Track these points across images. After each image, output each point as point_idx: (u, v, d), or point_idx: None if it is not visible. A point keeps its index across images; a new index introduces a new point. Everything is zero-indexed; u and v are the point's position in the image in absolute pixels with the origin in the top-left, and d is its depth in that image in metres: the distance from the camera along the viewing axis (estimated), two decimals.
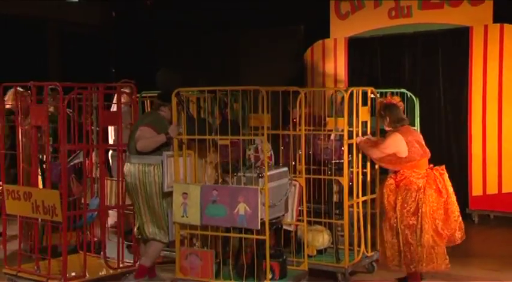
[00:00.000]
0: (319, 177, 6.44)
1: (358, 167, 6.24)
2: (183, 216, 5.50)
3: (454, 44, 9.32)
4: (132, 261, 6.34)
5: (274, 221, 5.56)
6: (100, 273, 6.12)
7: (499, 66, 8.94)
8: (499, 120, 8.73)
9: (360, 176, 6.28)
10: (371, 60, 10.19)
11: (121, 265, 6.23)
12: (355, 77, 10.24)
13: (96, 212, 6.39)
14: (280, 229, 5.86)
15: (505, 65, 8.91)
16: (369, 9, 10.07)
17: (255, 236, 5.33)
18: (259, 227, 5.19)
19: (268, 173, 5.32)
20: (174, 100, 5.72)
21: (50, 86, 6.19)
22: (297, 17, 10.53)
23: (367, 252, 6.35)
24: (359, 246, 6.24)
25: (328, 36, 10.50)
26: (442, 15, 9.41)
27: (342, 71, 10.39)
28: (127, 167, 5.95)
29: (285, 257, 5.70)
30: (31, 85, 6.09)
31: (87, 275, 5.96)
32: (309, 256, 6.04)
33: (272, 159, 6.00)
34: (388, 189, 5.96)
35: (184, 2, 11.50)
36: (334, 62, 10.43)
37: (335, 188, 6.50)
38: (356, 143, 6.17)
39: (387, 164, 6.07)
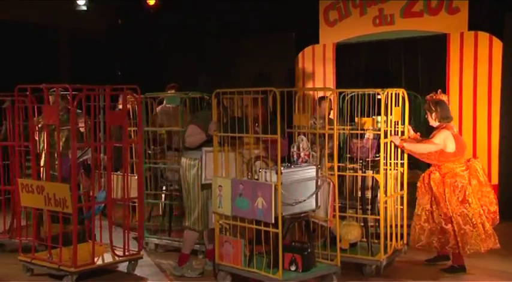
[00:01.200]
0: (355, 174, 6.23)
1: (391, 165, 6.07)
2: (219, 207, 5.56)
3: (433, 50, 9.33)
4: (136, 250, 6.34)
5: (297, 216, 5.43)
6: (107, 261, 6.14)
7: (474, 70, 8.95)
8: (473, 122, 8.76)
9: (393, 173, 6.14)
10: (357, 64, 10.18)
11: (126, 253, 6.24)
12: (343, 79, 10.24)
13: (103, 204, 6.38)
14: (308, 224, 5.67)
15: (479, 69, 8.92)
16: (355, 17, 10.05)
17: (270, 229, 5.22)
18: (273, 221, 5.11)
19: (288, 170, 5.27)
20: (214, 100, 5.72)
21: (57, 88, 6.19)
22: (289, 24, 10.46)
23: (397, 245, 6.21)
24: (391, 240, 6.08)
25: (317, 42, 10.50)
26: (422, 23, 9.41)
27: (330, 74, 10.37)
28: (181, 161, 6.11)
29: (309, 250, 5.50)
30: (43, 87, 6.09)
31: (95, 262, 5.99)
32: (343, 249, 5.93)
33: (310, 157, 5.83)
34: (434, 182, 6.06)
35: (185, 11, 11.48)
36: (323, 66, 10.42)
37: (369, 184, 6.35)
38: (394, 142, 6.08)
39: (433, 159, 6.13)
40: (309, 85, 10.53)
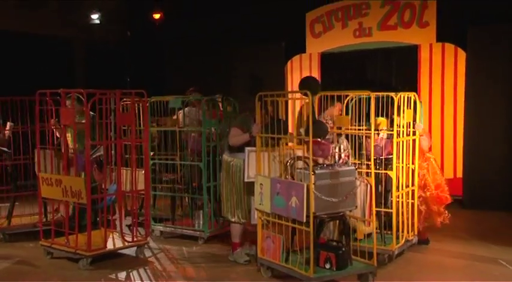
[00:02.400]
0: (371, 171, 5.74)
1: (403, 162, 5.83)
2: (260, 204, 5.35)
3: (406, 58, 9.39)
4: (143, 236, 6.38)
5: (333, 215, 5.11)
6: (117, 246, 6.16)
7: (441, 77, 9.04)
8: (441, 121, 8.83)
9: (405, 170, 5.91)
10: (340, 71, 10.17)
11: (135, 239, 6.24)
12: (327, 85, 10.25)
13: (114, 196, 6.40)
14: (345, 224, 5.27)
15: (446, 75, 9.02)
16: (338, 29, 10.05)
17: (303, 228, 4.93)
18: (304, 220, 4.84)
19: (324, 171, 4.99)
20: (257, 103, 5.49)
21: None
22: (278, 36, 10.44)
23: (408, 236, 6.00)
24: (402, 231, 5.87)
25: (304, 52, 10.48)
26: (396, 35, 9.46)
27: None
28: (223, 160, 5.99)
29: (344, 249, 5.11)
30: (61, 92, 6.09)
31: (107, 247, 6.01)
32: (358, 239, 5.73)
33: (349, 157, 5.67)
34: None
35: (186, 24, 11.48)
36: (309, 73, 10.36)
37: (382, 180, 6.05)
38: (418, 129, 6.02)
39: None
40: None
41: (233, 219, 5.90)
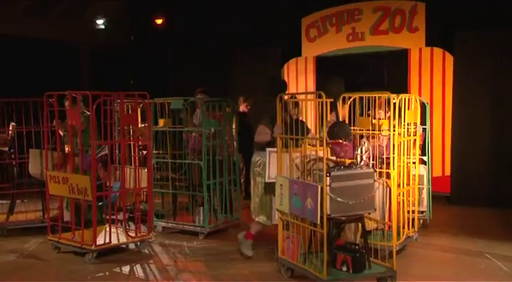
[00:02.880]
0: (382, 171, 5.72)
1: (403, 162, 5.62)
2: (280, 205, 5.16)
3: (397, 62, 9.41)
4: (146, 232, 6.35)
5: (350, 218, 4.89)
6: (121, 240, 6.14)
7: (430, 79, 9.10)
8: (430, 123, 8.84)
9: (406, 169, 5.73)
10: (334, 73, 10.15)
11: (138, 234, 6.24)
12: (322, 87, 10.26)
13: (118, 193, 6.38)
14: (363, 226, 5.05)
15: (434, 78, 9.07)
16: (332, 34, 10.08)
17: (318, 229, 4.78)
18: (318, 221, 4.65)
19: (340, 173, 4.74)
20: (279, 104, 5.26)
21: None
22: (275, 40, 10.48)
23: (409, 233, 5.95)
24: (403, 227, 5.74)
25: (300, 55, 10.50)
26: (388, 39, 9.50)
27: (311, 82, 10.39)
28: (253, 159, 5.82)
29: (360, 252, 4.88)
30: (68, 94, 6.10)
31: (112, 242, 6.00)
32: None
33: (370, 159, 5.45)
34: None
35: (188, 29, 11.48)
36: (305, 75, 10.45)
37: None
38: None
39: None
40: (293, 91, 10.55)
41: (257, 219, 5.75)
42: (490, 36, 8.53)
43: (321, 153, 5.11)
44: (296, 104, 5.56)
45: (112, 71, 11.78)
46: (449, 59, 8.94)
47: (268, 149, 5.42)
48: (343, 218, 4.84)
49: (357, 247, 4.98)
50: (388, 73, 9.57)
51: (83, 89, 7.83)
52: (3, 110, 7.37)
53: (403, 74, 9.33)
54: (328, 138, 4.93)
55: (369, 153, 5.48)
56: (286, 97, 5.56)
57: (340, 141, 5.04)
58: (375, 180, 4.94)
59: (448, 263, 5.83)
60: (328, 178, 4.65)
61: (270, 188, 5.52)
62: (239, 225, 7.25)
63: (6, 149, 7.30)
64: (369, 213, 5.05)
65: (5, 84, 9.17)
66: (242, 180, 8.59)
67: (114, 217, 6.31)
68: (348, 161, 5.06)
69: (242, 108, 8.89)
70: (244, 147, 7.71)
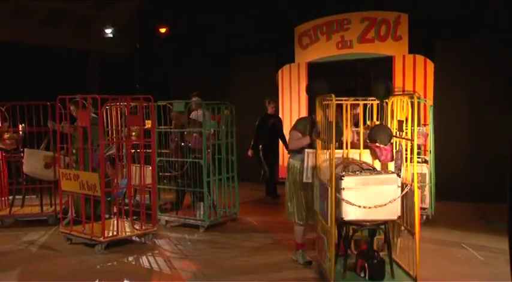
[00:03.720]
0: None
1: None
2: (315, 205, 4.99)
3: (382, 68, 9.44)
4: (150, 225, 6.37)
5: (367, 223, 4.50)
6: (128, 233, 6.19)
7: (413, 84, 9.14)
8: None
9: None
10: (325, 78, 10.18)
11: (143, 227, 6.27)
12: (368, 88, 10.27)
13: (125, 189, 6.44)
14: (385, 232, 4.64)
15: (417, 83, 9.12)
16: (323, 42, 10.12)
17: (333, 232, 4.45)
18: (328, 223, 4.43)
19: (353, 177, 4.38)
20: (318, 106, 4.94)
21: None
22: (270, 47, 10.50)
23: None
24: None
25: (293, 61, 10.52)
26: (374, 47, 9.55)
27: (304, 86, 10.26)
28: (289, 163, 5.38)
29: (378, 259, 4.55)
30: (78, 97, 6.13)
31: (119, 234, 6.07)
32: None
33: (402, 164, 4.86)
34: None
35: (189, 37, 11.51)
36: (298, 80, 10.47)
37: None
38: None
39: None
40: (287, 96, 10.57)
41: (294, 220, 5.36)
42: (468, 44, 8.59)
43: (356, 156, 4.93)
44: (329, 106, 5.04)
45: (119, 77, 11.81)
46: (430, 65, 9.00)
47: (306, 150, 5.09)
48: (361, 222, 4.44)
49: (375, 254, 4.60)
50: (374, 78, 9.52)
51: (92, 93, 7.82)
52: (17, 113, 7.44)
53: (387, 79, 9.18)
54: (368, 141, 4.71)
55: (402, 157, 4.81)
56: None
57: (377, 144, 4.72)
58: (399, 186, 4.38)
59: (428, 253, 5.84)
60: (341, 181, 4.33)
61: (305, 188, 5.21)
62: (237, 219, 7.32)
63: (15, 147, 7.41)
64: (393, 220, 4.60)
65: (21, 89, 9.20)
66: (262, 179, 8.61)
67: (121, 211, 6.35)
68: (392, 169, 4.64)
69: (270, 110, 8.87)
70: (268, 149, 7.68)
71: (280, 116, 9.89)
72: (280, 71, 10.72)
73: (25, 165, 7.14)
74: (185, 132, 7.14)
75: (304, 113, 10.29)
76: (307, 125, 5.19)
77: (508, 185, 2.90)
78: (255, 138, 8.69)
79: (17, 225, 7.21)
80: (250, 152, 8.67)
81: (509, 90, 3.66)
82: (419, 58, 9.14)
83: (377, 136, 4.78)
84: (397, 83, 9.28)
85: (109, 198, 6.35)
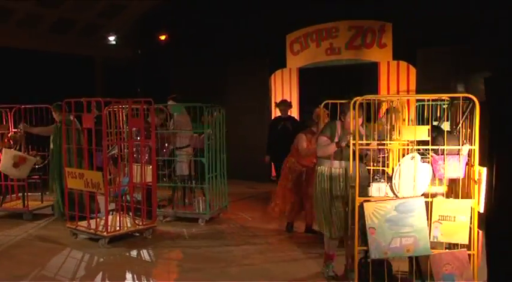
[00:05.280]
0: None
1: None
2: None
3: (368, 73, 9.50)
4: (151, 220, 6.37)
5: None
6: (129, 228, 6.19)
7: (397, 88, 9.18)
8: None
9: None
10: (315, 82, 10.18)
11: (144, 222, 6.28)
12: (304, 94, 10.33)
13: (126, 187, 6.45)
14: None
15: (400, 87, 9.16)
16: (313, 48, 10.14)
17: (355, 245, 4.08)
18: (349, 233, 4.19)
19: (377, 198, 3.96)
20: (351, 110, 4.30)
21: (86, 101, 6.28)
22: (264, 53, 10.51)
23: None
24: None
25: (285, 66, 10.55)
26: (360, 53, 9.59)
27: (295, 90, 10.44)
28: (319, 170, 4.69)
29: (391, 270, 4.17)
30: (83, 100, 6.11)
31: (121, 229, 6.07)
32: None
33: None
34: None
35: (187, 44, 11.52)
36: (289, 85, 10.50)
37: None
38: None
39: None
40: (279, 99, 10.51)
41: (323, 232, 4.74)
42: (447, 52, 8.62)
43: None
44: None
45: (122, 81, 11.80)
46: (413, 71, 9.07)
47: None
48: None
49: (402, 276, 4.18)
50: (360, 82, 9.58)
51: (96, 97, 7.84)
52: (21, 115, 7.52)
53: (373, 83, 9.40)
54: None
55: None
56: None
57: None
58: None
59: None
60: (368, 188, 4.00)
61: (335, 198, 4.55)
62: (227, 209, 7.40)
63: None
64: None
65: (30, 92, 9.21)
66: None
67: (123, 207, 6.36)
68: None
69: (281, 112, 7.93)
70: (276, 155, 7.18)
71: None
72: (272, 76, 10.74)
73: (1, 164, 7.22)
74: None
75: (296, 116, 10.31)
76: (334, 130, 4.58)
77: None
78: (267, 143, 7.87)
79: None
80: (266, 158, 7.81)
81: (485, 94, 3.66)
82: (403, 64, 9.21)
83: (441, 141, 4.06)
84: (383, 87, 9.34)
85: (112, 196, 6.35)
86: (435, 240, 4.02)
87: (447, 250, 4.09)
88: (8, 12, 10.05)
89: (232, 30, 10.81)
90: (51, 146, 7.14)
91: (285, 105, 7.83)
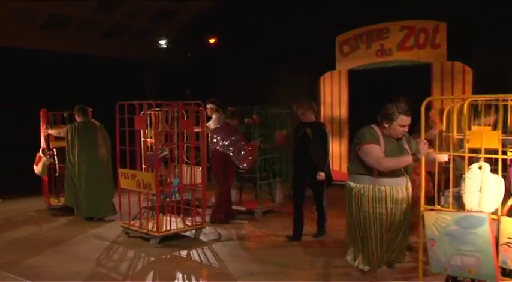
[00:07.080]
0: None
1: None
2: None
3: (421, 75, 9.27)
4: (200, 221, 6.41)
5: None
6: (179, 228, 6.22)
7: (452, 90, 8.93)
8: None
9: None
10: (364, 85, 10.08)
11: (194, 223, 6.30)
12: (354, 97, 10.22)
13: (177, 188, 6.52)
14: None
15: (455, 89, 8.90)
16: (363, 50, 10.03)
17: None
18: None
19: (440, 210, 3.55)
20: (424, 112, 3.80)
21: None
22: (312, 55, 10.49)
23: None
24: None
25: (334, 69, 10.46)
26: (413, 54, 9.40)
27: (344, 92, 10.33)
28: (351, 186, 3.98)
29: None
30: (135, 103, 6.21)
31: (172, 229, 6.12)
32: None
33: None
34: None
35: (236, 47, 11.62)
36: (338, 87, 10.40)
37: None
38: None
39: None
40: (328, 102, 10.49)
41: (355, 264, 3.97)
42: (505, 52, 8.34)
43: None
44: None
45: (171, 83, 11.97)
46: (469, 71, 8.78)
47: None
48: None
49: None
50: (413, 84, 9.36)
51: (147, 99, 8.02)
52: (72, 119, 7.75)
53: (426, 84, 9.15)
54: None
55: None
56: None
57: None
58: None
59: None
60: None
61: (379, 223, 3.83)
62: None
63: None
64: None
65: (84, 95, 9.53)
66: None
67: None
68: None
69: (302, 117, 6.21)
70: (296, 166, 6.17)
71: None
72: (321, 78, 10.66)
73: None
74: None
75: (345, 119, 10.21)
76: (378, 138, 3.89)
77: None
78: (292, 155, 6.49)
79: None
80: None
81: None
82: (458, 65, 8.93)
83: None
84: (436, 87, 9.08)
85: (163, 196, 6.42)
86: (504, 266, 3.35)
87: None
88: (67, 19, 10.47)
89: (282, 31, 10.81)
90: (67, 147, 7.31)
91: (304, 108, 6.06)
